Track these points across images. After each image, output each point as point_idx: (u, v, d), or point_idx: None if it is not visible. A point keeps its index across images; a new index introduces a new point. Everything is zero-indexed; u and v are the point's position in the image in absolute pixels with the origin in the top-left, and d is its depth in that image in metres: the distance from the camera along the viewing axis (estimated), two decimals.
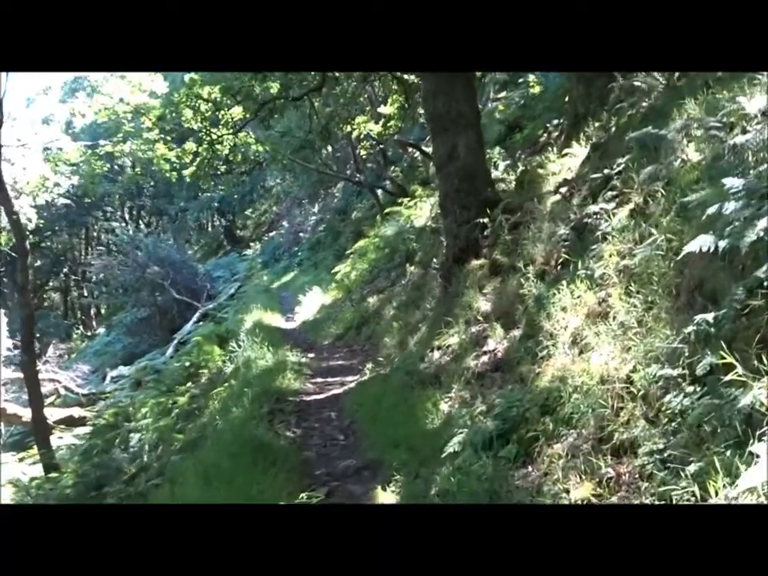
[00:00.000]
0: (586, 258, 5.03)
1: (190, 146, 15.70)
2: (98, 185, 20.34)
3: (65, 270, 39.97)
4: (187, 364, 12.65)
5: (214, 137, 15.30)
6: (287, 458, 5.55)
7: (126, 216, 42.45)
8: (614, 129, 7.30)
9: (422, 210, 13.90)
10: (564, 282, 4.96)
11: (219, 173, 20.50)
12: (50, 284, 41.28)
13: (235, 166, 25.53)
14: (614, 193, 5.87)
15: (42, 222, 29.84)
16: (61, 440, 15.07)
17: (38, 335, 32.64)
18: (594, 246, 5.11)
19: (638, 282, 4.12)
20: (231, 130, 15.44)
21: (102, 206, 39.10)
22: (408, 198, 15.41)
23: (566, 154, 8.14)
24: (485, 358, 5.73)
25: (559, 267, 5.81)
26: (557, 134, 10.60)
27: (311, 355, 10.26)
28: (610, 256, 4.73)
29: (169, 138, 16.12)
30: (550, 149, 9.09)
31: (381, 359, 8.28)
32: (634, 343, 3.61)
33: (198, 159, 15.53)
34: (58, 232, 37.75)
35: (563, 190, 7.15)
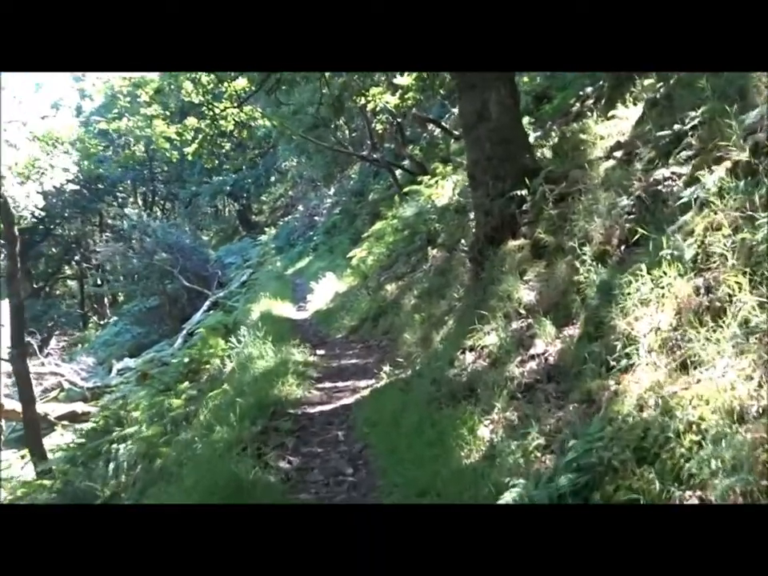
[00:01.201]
0: (667, 234, 3.80)
1: (191, 121, 14.45)
2: (94, 164, 19.16)
3: (77, 257, 38.95)
4: (186, 360, 11.47)
5: (217, 111, 14.06)
6: None
7: (140, 201, 41.28)
8: (672, 82, 6.32)
9: (443, 189, 12.73)
10: (642, 266, 3.70)
11: (224, 151, 19.28)
12: (65, 272, 40.42)
13: (246, 147, 24.33)
14: (691, 152, 4.86)
15: (52, 208, 28.96)
16: (62, 438, 14.24)
17: (49, 324, 32.08)
18: (677, 219, 3.91)
19: (764, 265, 2.89)
20: (235, 104, 14.19)
21: (114, 192, 37.99)
22: (428, 177, 14.16)
23: (611, 117, 7.17)
24: (533, 364, 4.48)
25: (624, 247, 4.66)
26: (592, 101, 9.55)
27: (321, 352, 9.09)
28: (706, 230, 3.50)
29: (168, 114, 14.91)
30: (589, 114, 8.08)
31: (400, 359, 7.01)
32: None
33: (201, 136, 14.32)
34: (70, 219, 36.69)
35: (618, 154, 6.14)
